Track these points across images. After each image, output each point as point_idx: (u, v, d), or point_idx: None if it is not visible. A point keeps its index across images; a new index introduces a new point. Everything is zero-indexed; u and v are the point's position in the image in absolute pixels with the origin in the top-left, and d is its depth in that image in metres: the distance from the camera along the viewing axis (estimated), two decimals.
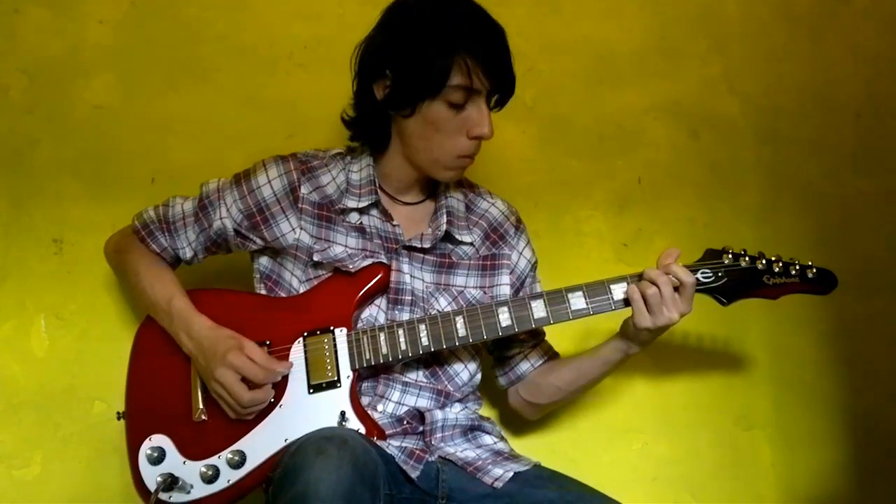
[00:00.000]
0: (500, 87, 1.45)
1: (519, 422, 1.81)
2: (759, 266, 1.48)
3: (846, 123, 2.12)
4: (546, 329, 1.66)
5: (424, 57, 1.39)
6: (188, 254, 1.57)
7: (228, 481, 1.39)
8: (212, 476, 1.39)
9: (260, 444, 1.40)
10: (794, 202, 2.07)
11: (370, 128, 1.54)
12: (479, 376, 1.60)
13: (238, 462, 1.39)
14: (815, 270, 1.48)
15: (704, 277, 1.47)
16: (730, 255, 1.48)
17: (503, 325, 1.45)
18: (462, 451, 1.47)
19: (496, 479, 1.39)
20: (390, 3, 1.47)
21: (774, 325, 1.99)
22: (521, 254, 1.64)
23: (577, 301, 1.45)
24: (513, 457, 1.49)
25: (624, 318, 1.50)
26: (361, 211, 1.52)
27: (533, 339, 1.66)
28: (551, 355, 1.67)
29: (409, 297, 1.50)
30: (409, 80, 1.41)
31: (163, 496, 1.39)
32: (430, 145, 1.46)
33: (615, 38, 2.11)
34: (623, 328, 1.50)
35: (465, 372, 1.54)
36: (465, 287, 1.55)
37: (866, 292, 1.97)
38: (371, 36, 1.48)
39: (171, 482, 1.38)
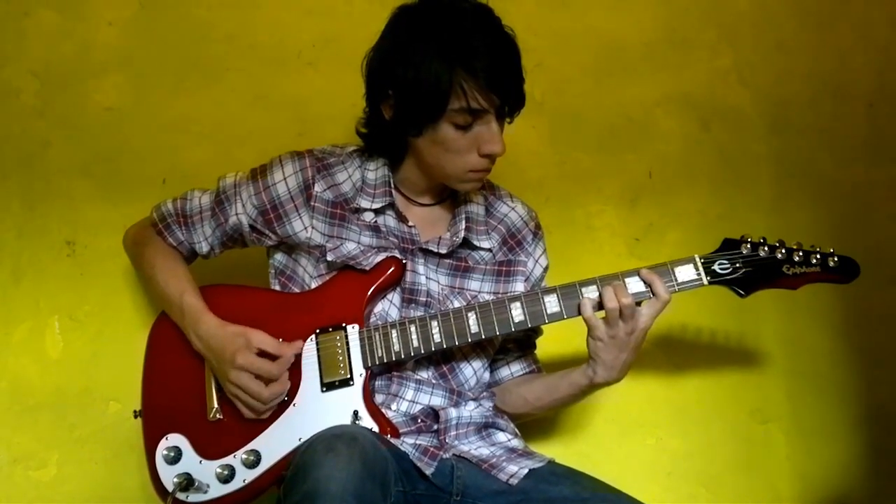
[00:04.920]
0: (507, 103, 1.40)
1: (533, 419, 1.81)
2: (779, 255, 1.45)
3: (858, 113, 2.11)
4: (562, 326, 1.65)
5: (421, 81, 1.35)
6: (205, 248, 1.58)
7: (244, 481, 1.40)
8: (227, 476, 1.40)
9: (274, 444, 1.40)
10: (807, 193, 2.06)
11: (384, 144, 1.53)
12: (487, 374, 1.59)
13: (253, 462, 1.40)
14: (836, 259, 1.45)
15: (721, 269, 1.45)
16: (748, 245, 1.46)
17: (516, 320, 1.44)
18: (476, 448, 1.47)
19: (511, 476, 1.39)
20: (394, 10, 1.44)
21: (788, 318, 1.98)
22: (536, 261, 1.63)
23: (591, 295, 1.43)
24: (527, 454, 1.48)
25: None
26: (376, 211, 1.52)
27: (519, 349, 1.65)
28: (533, 369, 1.65)
29: (425, 298, 1.50)
30: (409, 104, 1.39)
31: (180, 496, 1.39)
32: (442, 163, 1.45)
33: (624, 30, 2.10)
34: (587, 350, 1.46)
35: (469, 370, 1.54)
36: (480, 292, 1.55)
37: (880, 283, 1.96)
38: (375, 48, 1.45)
39: (187, 483, 1.38)
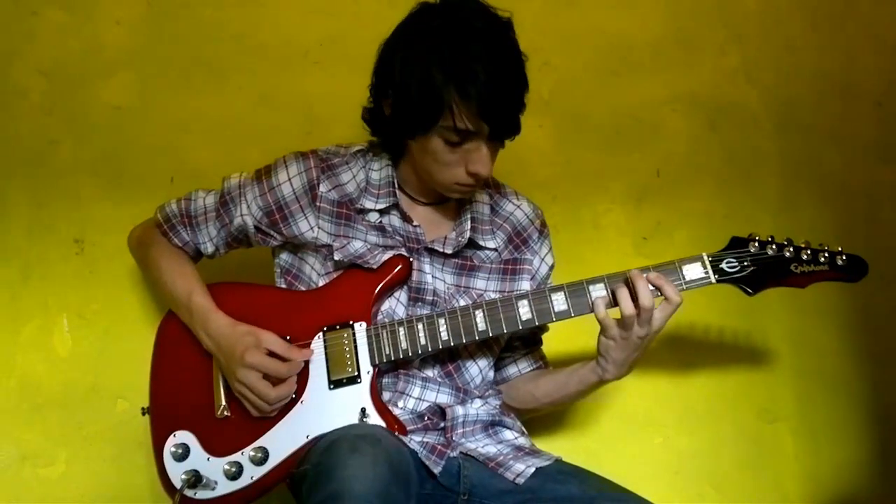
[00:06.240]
0: (497, 132, 1.38)
1: (539, 416, 1.80)
2: (787, 254, 1.45)
3: (866, 112, 2.11)
4: (567, 324, 1.65)
5: (415, 92, 1.35)
6: (209, 249, 1.58)
7: (252, 478, 1.40)
8: (235, 473, 1.40)
9: (282, 440, 1.41)
10: (814, 192, 2.06)
11: (384, 138, 1.53)
12: (492, 373, 1.60)
13: (261, 459, 1.40)
14: (844, 257, 1.45)
15: (729, 267, 1.45)
16: (756, 243, 1.46)
17: (523, 318, 1.44)
18: (483, 446, 1.47)
19: (518, 475, 1.39)
20: (416, 6, 1.42)
21: (797, 317, 1.98)
22: (542, 259, 1.63)
23: (599, 293, 1.43)
24: (534, 452, 1.48)
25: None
26: (381, 212, 1.52)
27: (526, 346, 1.65)
28: (540, 365, 1.65)
29: (431, 297, 1.50)
30: (403, 110, 1.39)
31: (188, 493, 1.40)
32: (430, 171, 1.45)
33: (631, 29, 2.10)
34: (597, 347, 1.46)
35: (475, 368, 1.54)
36: (486, 291, 1.54)
37: (889, 282, 1.96)
38: (387, 43, 1.44)
39: (195, 480, 1.38)
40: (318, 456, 1.24)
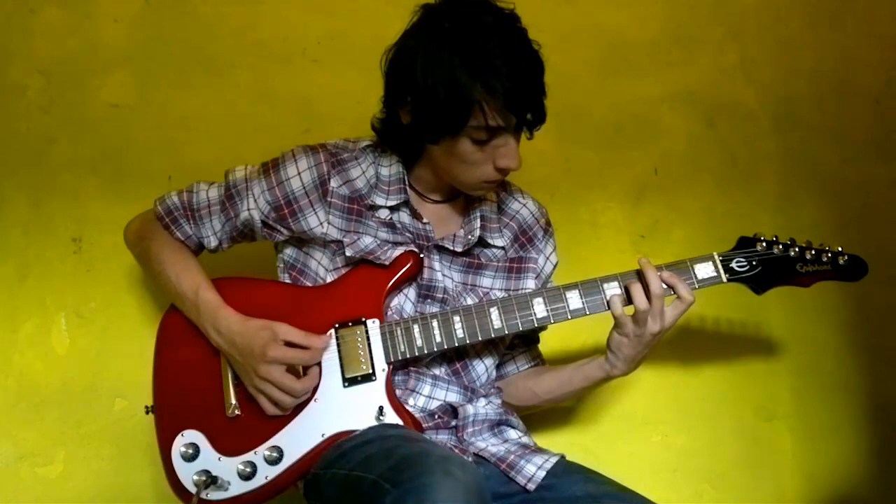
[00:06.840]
0: (525, 122, 1.38)
1: (539, 415, 1.81)
2: (793, 254, 1.47)
3: (865, 109, 2.11)
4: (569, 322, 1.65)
5: (441, 97, 1.33)
6: (213, 243, 1.55)
7: (266, 478, 1.37)
8: (249, 473, 1.37)
9: (297, 439, 1.39)
10: (813, 190, 2.07)
11: (399, 144, 1.52)
12: (495, 371, 1.60)
13: (276, 458, 1.38)
14: (846, 257, 1.48)
15: (739, 267, 1.47)
16: (763, 243, 1.48)
17: (539, 316, 1.44)
18: (492, 445, 1.47)
19: (528, 480, 1.39)
20: (419, 10, 1.40)
21: (795, 314, 1.99)
22: (547, 258, 1.63)
23: (614, 290, 1.44)
24: (539, 450, 1.48)
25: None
26: (391, 208, 1.51)
27: (525, 344, 1.66)
28: (538, 362, 1.66)
29: (441, 295, 1.49)
30: (428, 116, 1.38)
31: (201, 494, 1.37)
32: (455, 172, 1.44)
33: (630, 27, 2.11)
34: (608, 343, 1.48)
35: (481, 367, 1.54)
36: (492, 289, 1.54)
37: (887, 280, 1.96)
38: (397, 51, 1.42)
39: (209, 480, 1.36)
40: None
